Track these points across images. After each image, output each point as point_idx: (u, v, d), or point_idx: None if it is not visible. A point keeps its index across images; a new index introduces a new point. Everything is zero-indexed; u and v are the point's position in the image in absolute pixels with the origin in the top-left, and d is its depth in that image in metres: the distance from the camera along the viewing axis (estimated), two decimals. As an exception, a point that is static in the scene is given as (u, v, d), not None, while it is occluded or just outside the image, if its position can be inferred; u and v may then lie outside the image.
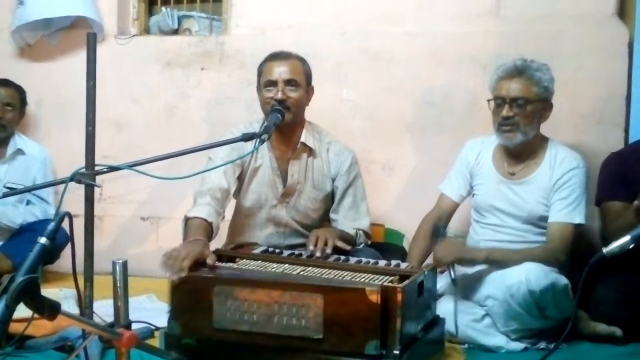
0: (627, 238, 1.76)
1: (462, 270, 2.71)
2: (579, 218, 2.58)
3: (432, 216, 2.84)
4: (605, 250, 1.79)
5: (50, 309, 1.30)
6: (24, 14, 3.56)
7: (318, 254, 2.41)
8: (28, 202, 3.41)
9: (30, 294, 1.26)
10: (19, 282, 1.24)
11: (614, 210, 2.68)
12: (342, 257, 2.38)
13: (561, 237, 2.55)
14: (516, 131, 2.59)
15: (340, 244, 2.51)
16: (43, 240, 1.34)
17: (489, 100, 2.68)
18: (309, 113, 2.83)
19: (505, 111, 2.58)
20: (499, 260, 2.53)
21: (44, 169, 3.48)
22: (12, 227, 3.30)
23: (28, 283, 1.25)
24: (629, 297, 2.55)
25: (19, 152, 3.43)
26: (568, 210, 2.57)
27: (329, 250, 2.44)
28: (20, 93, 3.46)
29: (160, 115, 3.61)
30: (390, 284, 2.05)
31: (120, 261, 1.51)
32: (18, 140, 3.46)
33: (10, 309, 1.22)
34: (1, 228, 3.30)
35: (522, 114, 2.58)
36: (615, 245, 1.78)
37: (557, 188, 2.60)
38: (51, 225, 1.35)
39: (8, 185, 3.33)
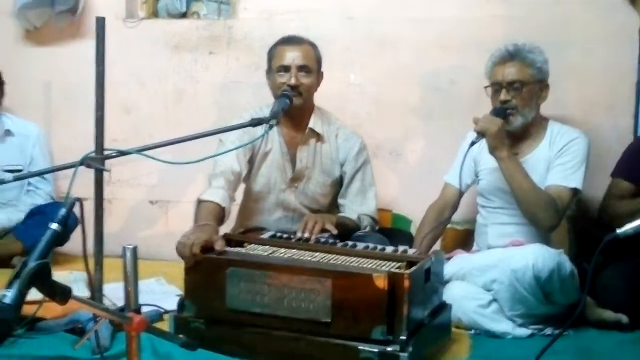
0: None
1: (466, 254, 2.73)
2: (575, 182, 2.60)
3: (437, 205, 2.86)
4: (619, 231, 1.79)
5: (61, 294, 1.32)
6: None
7: (307, 235, 2.43)
8: (29, 183, 3.41)
9: (42, 279, 1.28)
10: (31, 267, 1.26)
11: (621, 188, 2.73)
12: (350, 243, 2.39)
13: (558, 198, 2.56)
14: (516, 114, 2.63)
15: (329, 226, 2.51)
16: (55, 226, 1.35)
17: (485, 87, 2.71)
18: (317, 97, 2.83)
19: (502, 95, 2.62)
20: (512, 169, 2.53)
21: (39, 146, 3.47)
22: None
23: (40, 268, 1.27)
24: (636, 283, 2.56)
25: (8, 133, 3.40)
26: (566, 174, 2.60)
27: (315, 230, 2.45)
28: None
29: (168, 99, 3.62)
30: (397, 270, 2.06)
31: (131, 246, 1.53)
32: (5, 121, 3.42)
33: (22, 293, 1.24)
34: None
35: (520, 97, 2.61)
36: (629, 227, 1.79)
37: (557, 157, 2.64)
38: (62, 211, 1.36)
39: (6, 168, 3.32)
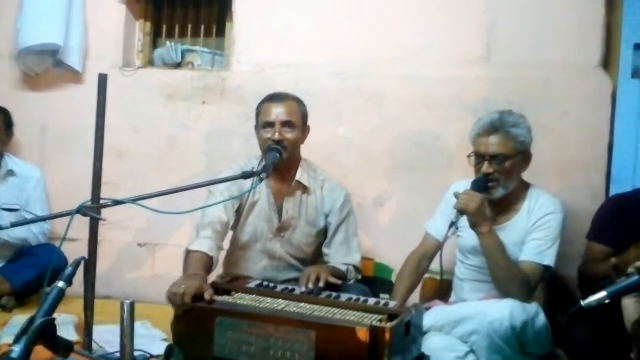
0: (603, 294, 1.87)
1: (443, 305, 2.81)
2: (548, 260, 2.63)
3: (416, 254, 2.91)
4: (583, 302, 1.89)
5: (64, 349, 1.41)
6: (20, 40, 3.67)
7: (310, 285, 2.53)
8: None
9: (47, 335, 1.36)
10: (38, 324, 1.34)
11: (596, 251, 2.79)
12: (334, 294, 2.49)
13: (531, 274, 2.61)
14: (497, 186, 2.66)
15: (332, 279, 2.61)
16: (61, 284, 1.44)
17: (468, 156, 2.73)
18: (306, 148, 2.93)
19: (485, 167, 2.64)
20: (491, 246, 2.58)
21: (39, 189, 3.57)
22: (15, 243, 3.42)
23: (45, 325, 1.35)
24: (605, 339, 2.62)
25: (10, 173, 3.53)
26: (540, 250, 2.63)
27: (321, 284, 2.55)
28: (4, 116, 3.54)
29: (161, 146, 3.71)
30: (378, 324, 2.15)
31: (128, 302, 1.61)
32: (8, 162, 3.55)
33: (29, 349, 1.32)
34: (3, 247, 3.40)
35: (502, 170, 2.63)
36: (592, 299, 1.88)
37: (532, 230, 2.67)
38: (68, 270, 1.45)
39: (4, 206, 3.45)
